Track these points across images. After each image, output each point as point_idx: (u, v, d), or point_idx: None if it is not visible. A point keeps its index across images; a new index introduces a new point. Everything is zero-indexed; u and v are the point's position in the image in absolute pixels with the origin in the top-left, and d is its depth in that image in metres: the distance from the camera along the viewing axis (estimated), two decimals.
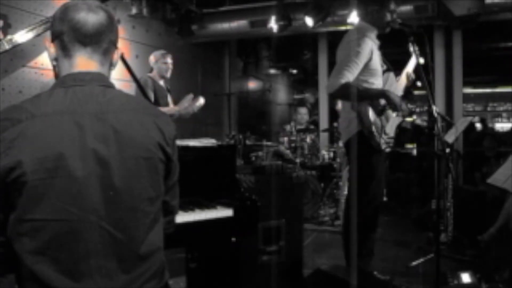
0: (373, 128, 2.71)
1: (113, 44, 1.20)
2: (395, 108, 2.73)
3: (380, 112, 2.78)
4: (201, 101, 3.64)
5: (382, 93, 2.74)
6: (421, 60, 2.85)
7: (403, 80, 3.03)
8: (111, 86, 1.17)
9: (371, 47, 2.73)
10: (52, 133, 1.03)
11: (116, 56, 1.23)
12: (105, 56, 1.18)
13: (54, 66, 1.20)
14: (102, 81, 1.15)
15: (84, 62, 1.15)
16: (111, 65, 1.23)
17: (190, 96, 3.65)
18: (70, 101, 1.08)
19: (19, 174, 0.99)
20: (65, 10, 1.14)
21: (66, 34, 1.13)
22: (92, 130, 1.06)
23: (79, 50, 1.14)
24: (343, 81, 2.62)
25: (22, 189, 1.00)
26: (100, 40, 1.15)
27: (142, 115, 1.15)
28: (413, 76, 3.07)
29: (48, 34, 1.21)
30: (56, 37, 1.15)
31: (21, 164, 0.99)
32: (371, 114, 2.72)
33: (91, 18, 1.13)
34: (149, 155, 1.12)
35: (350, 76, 2.64)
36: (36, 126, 1.02)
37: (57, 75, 1.20)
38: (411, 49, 2.94)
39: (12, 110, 1.06)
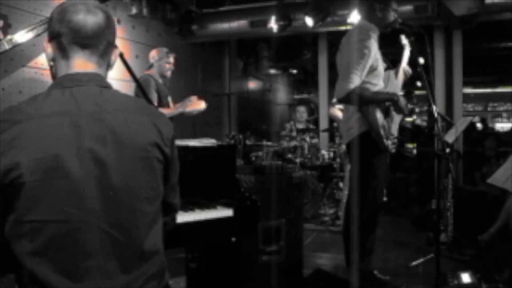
0: (382, 132, 2.70)
1: (111, 44, 1.20)
2: (400, 111, 2.73)
3: (386, 113, 2.78)
4: (203, 105, 3.62)
5: (391, 97, 2.73)
6: (421, 60, 2.84)
7: (400, 77, 3.01)
8: (108, 86, 1.16)
9: (376, 48, 2.71)
10: (50, 134, 1.02)
11: (114, 56, 1.23)
12: (103, 57, 1.18)
13: (51, 67, 1.19)
14: (99, 81, 1.15)
15: (82, 63, 1.14)
16: (109, 66, 1.22)
17: (194, 97, 3.61)
18: (67, 102, 1.07)
19: (16, 175, 0.98)
20: (62, 11, 1.13)
21: (64, 35, 1.12)
22: (89, 130, 1.05)
23: (77, 52, 1.14)
24: (352, 85, 2.60)
25: (20, 190, 0.99)
26: (98, 41, 1.15)
27: (140, 115, 1.15)
28: (409, 70, 3.04)
29: (46, 36, 1.19)
30: (54, 38, 1.14)
31: (19, 166, 0.98)
32: (380, 117, 2.71)
33: (89, 20, 1.12)
34: (146, 155, 1.11)
35: (357, 79, 2.62)
36: (34, 127, 1.02)
37: (54, 76, 1.19)
38: (404, 41, 2.92)
39: (10, 111, 1.05)
